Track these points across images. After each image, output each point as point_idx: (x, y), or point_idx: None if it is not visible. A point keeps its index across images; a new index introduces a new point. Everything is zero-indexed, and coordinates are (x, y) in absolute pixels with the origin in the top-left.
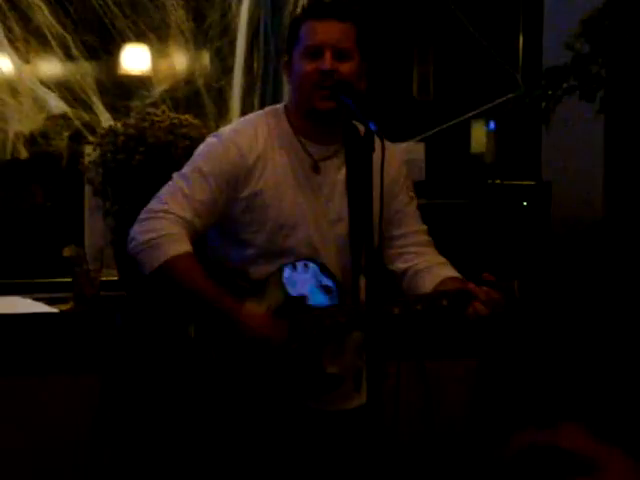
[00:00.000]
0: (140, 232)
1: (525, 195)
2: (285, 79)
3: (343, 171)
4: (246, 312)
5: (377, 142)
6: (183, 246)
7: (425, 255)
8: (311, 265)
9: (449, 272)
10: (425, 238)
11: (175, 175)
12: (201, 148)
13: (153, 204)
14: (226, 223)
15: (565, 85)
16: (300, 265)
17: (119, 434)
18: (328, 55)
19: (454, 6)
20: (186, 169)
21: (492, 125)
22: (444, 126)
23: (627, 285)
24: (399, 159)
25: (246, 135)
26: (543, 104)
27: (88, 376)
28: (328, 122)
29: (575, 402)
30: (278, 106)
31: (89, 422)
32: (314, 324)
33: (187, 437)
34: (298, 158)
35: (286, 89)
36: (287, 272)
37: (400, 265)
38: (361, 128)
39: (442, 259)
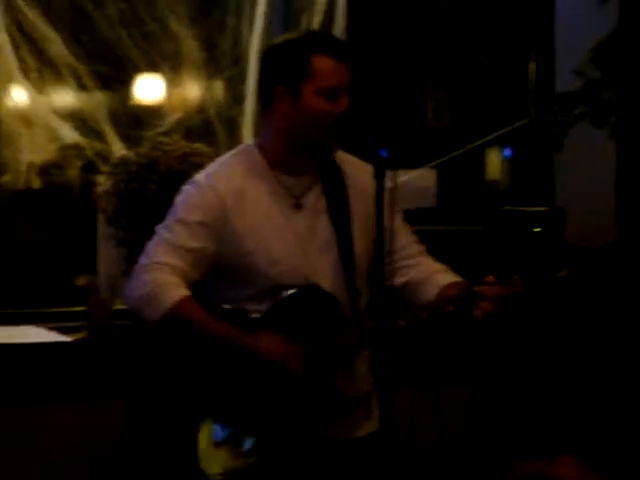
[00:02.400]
0: (135, 288)
1: (538, 221)
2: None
3: (323, 200)
4: (262, 339)
5: (366, 167)
6: (182, 291)
7: (422, 265)
8: (311, 292)
9: (450, 278)
10: (418, 248)
11: (159, 229)
12: (180, 198)
13: (142, 260)
14: (221, 266)
15: (576, 111)
16: (299, 294)
17: (142, 459)
18: (345, 98)
19: (468, 35)
20: (169, 221)
21: (508, 152)
22: (456, 153)
23: (633, 315)
24: (371, 175)
25: (221, 177)
26: (555, 130)
27: (102, 404)
28: (311, 154)
29: (569, 436)
30: (249, 144)
31: (106, 450)
32: (325, 348)
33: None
34: (278, 196)
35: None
36: (288, 304)
37: (400, 279)
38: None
39: (440, 266)
